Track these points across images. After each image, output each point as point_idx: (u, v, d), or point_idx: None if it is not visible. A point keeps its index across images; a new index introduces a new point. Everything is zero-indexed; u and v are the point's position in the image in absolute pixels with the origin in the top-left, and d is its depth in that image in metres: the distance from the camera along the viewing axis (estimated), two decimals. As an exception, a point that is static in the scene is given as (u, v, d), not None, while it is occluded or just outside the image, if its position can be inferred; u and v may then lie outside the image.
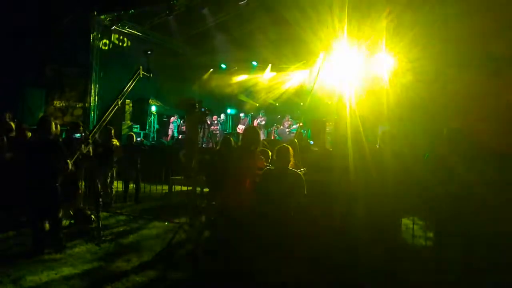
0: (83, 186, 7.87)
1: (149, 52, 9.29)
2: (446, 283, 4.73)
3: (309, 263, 4.72)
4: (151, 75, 9.25)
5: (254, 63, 18.62)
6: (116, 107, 8.01)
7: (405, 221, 6.67)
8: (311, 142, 7.85)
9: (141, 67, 8.85)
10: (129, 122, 15.39)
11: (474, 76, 7.80)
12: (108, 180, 8.94)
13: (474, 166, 5.01)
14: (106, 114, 7.74)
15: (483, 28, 7.65)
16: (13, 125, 7.04)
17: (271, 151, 5.45)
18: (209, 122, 16.29)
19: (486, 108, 7.28)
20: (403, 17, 8.64)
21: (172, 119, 17.50)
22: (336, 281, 4.79)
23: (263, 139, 14.60)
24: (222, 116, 17.94)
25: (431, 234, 6.22)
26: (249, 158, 4.52)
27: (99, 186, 7.72)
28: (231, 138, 6.49)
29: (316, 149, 8.48)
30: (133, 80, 8.60)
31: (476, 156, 5.11)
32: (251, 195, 4.48)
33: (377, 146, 5.98)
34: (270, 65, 18.02)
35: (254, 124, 16.54)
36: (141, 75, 8.91)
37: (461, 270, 4.77)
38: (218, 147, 7.31)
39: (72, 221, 7.06)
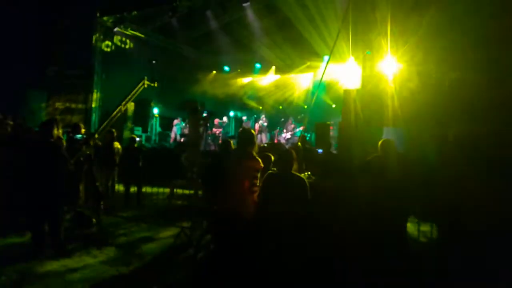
0: (84, 189, 7.82)
1: (153, 61, 9.35)
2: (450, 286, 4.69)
3: (311, 265, 4.65)
4: (155, 84, 9.28)
5: (258, 65, 18.58)
6: (119, 113, 8.02)
7: (410, 225, 6.60)
8: (320, 150, 7.77)
9: (146, 77, 8.89)
10: (130, 124, 15.36)
11: (480, 80, 7.74)
12: (110, 183, 8.90)
13: (479, 170, 4.95)
14: (108, 120, 7.74)
15: (489, 32, 7.60)
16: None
17: (273, 155, 5.40)
18: (213, 125, 16.35)
19: (491, 112, 7.21)
20: (408, 21, 8.59)
21: (175, 121, 17.44)
22: (341, 283, 4.72)
23: (266, 142, 14.62)
24: (225, 118, 17.89)
25: (436, 238, 6.16)
26: (246, 160, 4.46)
27: (100, 189, 7.66)
28: (231, 141, 6.41)
29: (321, 151, 8.42)
30: (137, 90, 8.64)
31: (481, 160, 5.06)
32: (249, 197, 4.42)
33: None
34: (274, 67, 17.98)
35: (256, 127, 16.48)
36: (145, 86, 8.94)
37: (465, 272, 4.72)
38: (218, 150, 7.26)
39: (73, 224, 7.00)
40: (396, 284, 4.71)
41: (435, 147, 6.78)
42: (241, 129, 5.34)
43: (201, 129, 7.54)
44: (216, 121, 17.12)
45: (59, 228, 5.80)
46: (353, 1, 8.22)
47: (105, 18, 15.08)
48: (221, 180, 4.57)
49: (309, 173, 5.60)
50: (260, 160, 4.56)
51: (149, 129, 17.37)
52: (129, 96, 8.46)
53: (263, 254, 4.32)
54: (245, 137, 4.65)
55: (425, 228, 6.67)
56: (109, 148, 8.76)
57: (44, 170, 5.58)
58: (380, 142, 5.53)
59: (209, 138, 16.02)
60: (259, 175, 4.52)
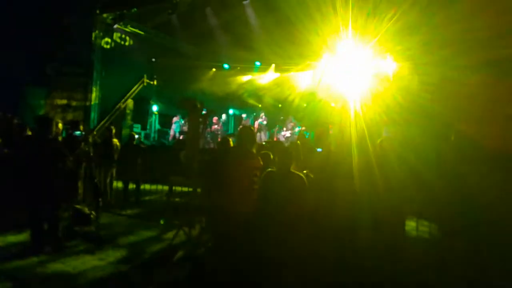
0: (82, 186, 7.80)
1: (153, 59, 9.39)
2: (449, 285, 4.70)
3: (311, 265, 4.65)
4: (155, 82, 9.32)
5: (258, 63, 18.52)
6: (118, 111, 8.03)
7: (410, 223, 6.61)
8: (319, 149, 7.78)
9: (145, 75, 8.92)
10: (130, 121, 15.33)
11: (479, 79, 7.73)
12: (108, 180, 8.88)
13: (480, 169, 4.95)
14: (107, 117, 7.75)
15: (489, 30, 7.59)
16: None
17: (272, 154, 5.39)
18: (211, 123, 16.31)
19: (492, 112, 7.21)
20: (407, 20, 8.58)
21: (174, 119, 17.42)
22: (340, 283, 4.72)
23: (265, 141, 14.59)
24: (224, 116, 17.85)
25: (435, 236, 6.17)
26: (245, 158, 4.45)
27: (99, 186, 7.65)
28: (230, 139, 6.39)
29: (320, 150, 8.39)
30: (137, 88, 8.67)
31: (482, 160, 5.06)
32: (249, 196, 4.41)
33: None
34: (273, 65, 17.91)
35: (256, 125, 16.45)
36: (145, 84, 8.98)
37: (465, 271, 4.73)
38: (217, 148, 7.24)
39: (72, 221, 6.98)
40: (394, 282, 4.72)
41: (435, 146, 6.78)
42: (241, 126, 5.33)
43: (200, 126, 7.52)
44: (215, 119, 17.08)
45: (57, 225, 5.80)
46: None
47: (104, 15, 15.04)
48: (220, 178, 4.56)
49: (307, 171, 5.58)
50: (260, 158, 4.55)
51: (148, 127, 17.36)
52: (128, 94, 8.48)
53: (261, 252, 4.31)
54: (245, 135, 4.63)
55: (423, 228, 6.68)
56: (108, 145, 8.75)
57: (42, 167, 5.57)
58: (379, 140, 5.52)
59: (208, 135, 16.00)
60: (259, 173, 4.51)
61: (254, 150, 4.58)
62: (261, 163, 4.57)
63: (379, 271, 4.69)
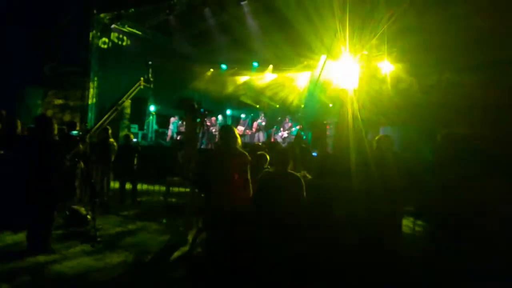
0: (79, 186, 7.78)
1: (150, 62, 9.48)
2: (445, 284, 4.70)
3: (310, 264, 4.65)
4: (151, 85, 9.35)
5: (255, 64, 18.50)
6: (115, 113, 8.03)
7: (406, 223, 6.61)
8: (314, 154, 7.80)
9: (142, 78, 8.94)
10: (127, 122, 15.30)
11: (476, 81, 7.76)
12: (105, 181, 8.86)
13: (476, 171, 4.95)
14: (104, 119, 7.75)
15: (485, 32, 7.61)
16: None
17: (269, 154, 5.40)
18: (208, 123, 16.27)
19: (488, 113, 7.23)
20: (404, 22, 8.60)
21: (172, 119, 17.39)
22: (337, 283, 4.72)
23: (262, 141, 14.58)
24: (220, 117, 17.82)
25: (430, 235, 6.17)
26: (232, 156, 4.48)
27: (96, 186, 7.62)
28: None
29: (317, 152, 8.40)
30: (133, 90, 8.67)
31: (479, 161, 5.06)
32: (243, 194, 4.43)
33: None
34: (271, 66, 17.91)
35: (255, 125, 16.45)
36: (142, 87, 8.99)
37: (462, 271, 4.72)
38: (215, 148, 7.25)
39: (68, 221, 6.96)
40: (391, 281, 4.71)
41: (432, 147, 6.78)
42: (221, 127, 5.36)
43: (197, 127, 7.51)
44: (213, 119, 17.06)
45: (51, 225, 5.77)
46: (351, 0, 8.21)
47: (102, 15, 15.03)
48: (213, 178, 4.58)
49: (305, 172, 5.59)
50: (247, 154, 4.57)
51: (145, 127, 17.30)
52: (125, 97, 8.48)
53: (258, 251, 4.31)
54: (227, 134, 4.65)
55: (419, 228, 6.68)
56: (105, 145, 8.73)
57: (40, 167, 5.54)
58: (377, 138, 5.52)
59: (206, 136, 15.97)
60: (248, 168, 4.53)
61: (239, 147, 4.61)
62: (249, 158, 4.59)
63: (376, 268, 4.69)
